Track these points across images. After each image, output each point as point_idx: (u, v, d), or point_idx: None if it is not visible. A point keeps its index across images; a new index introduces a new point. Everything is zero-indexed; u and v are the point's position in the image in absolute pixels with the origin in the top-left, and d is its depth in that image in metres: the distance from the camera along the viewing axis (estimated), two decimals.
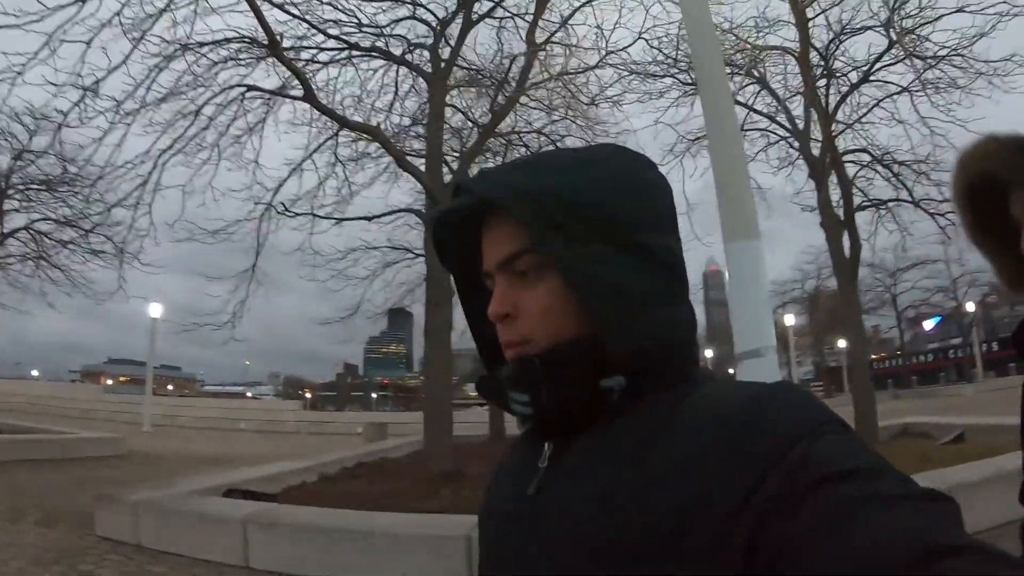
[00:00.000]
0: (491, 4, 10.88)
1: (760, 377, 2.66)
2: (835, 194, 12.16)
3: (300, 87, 8.72)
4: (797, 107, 12.59)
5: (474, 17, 10.68)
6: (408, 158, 10.02)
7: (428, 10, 10.90)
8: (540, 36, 10.56)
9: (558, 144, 13.11)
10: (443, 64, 10.74)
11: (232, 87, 9.16)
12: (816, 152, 11.95)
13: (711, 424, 0.56)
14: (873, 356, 53.94)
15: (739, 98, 12.03)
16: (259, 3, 7.81)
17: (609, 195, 0.64)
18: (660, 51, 11.46)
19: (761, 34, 11.35)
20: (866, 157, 12.89)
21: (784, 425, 0.53)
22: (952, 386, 39.93)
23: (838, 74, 11.65)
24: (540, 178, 0.65)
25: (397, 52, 11.05)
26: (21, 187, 14.76)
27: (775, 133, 13.17)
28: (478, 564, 0.74)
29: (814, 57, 11.23)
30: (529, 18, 10.69)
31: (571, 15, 10.55)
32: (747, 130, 12.75)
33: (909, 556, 0.40)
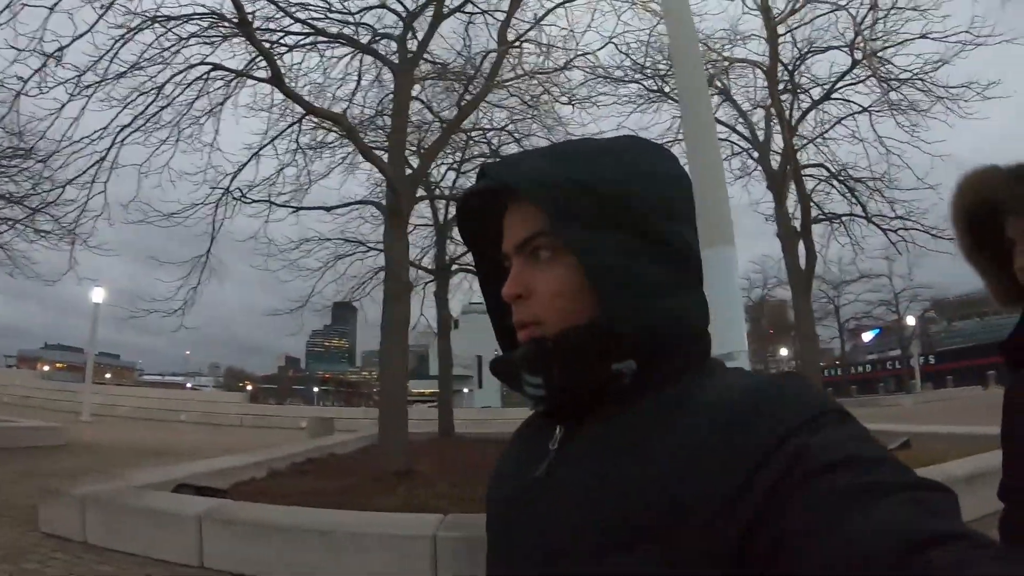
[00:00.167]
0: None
1: None
2: (791, 205, 12.50)
3: (266, 70, 8.47)
4: (758, 120, 12.92)
5: (445, 10, 10.56)
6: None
7: (399, 0, 10.76)
8: (511, 34, 10.51)
9: (521, 142, 13.19)
10: (410, 56, 10.63)
11: (197, 65, 8.82)
12: (775, 165, 12.22)
13: (712, 414, 0.56)
14: None
15: None
16: None
17: (625, 184, 0.66)
18: (629, 56, 11.57)
19: (729, 47, 11.56)
20: (824, 172, 13.32)
21: (783, 416, 0.53)
22: (891, 396, 41.33)
23: (801, 90, 11.96)
24: (559, 165, 0.66)
25: (364, 41, 10.87)
26: None
27: (737, 144, 13.45)
28: (487, 549, 0.75)
29: (780, 72, 11.48)
30: (499, 15, 10.66)
31: (544, 15, 10.55)
32: None
33: (897, 547, 0.41)
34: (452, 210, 16.28)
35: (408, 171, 10.64)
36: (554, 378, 0.65)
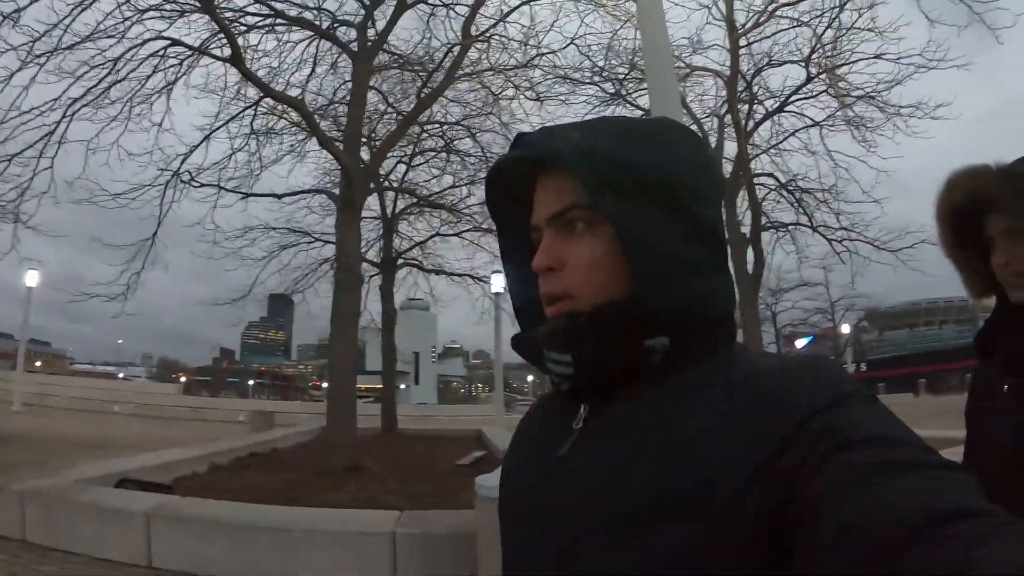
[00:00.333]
0: None
1: None
2: (740, 212, 12.80)
3: (222, 49, 8.20)
4: (710, 128, 13.19)
5: (408, 0, 10.41)
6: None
7: None
8: (474, 30, 10.44)
9: (477, 137, 13.17)
10: (370, 44, 10.46)
11: (154, 39, 8.42)
12: (727, 172, 12.47)
13: (742, 393, 0.57)
14: None
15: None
16: None
17: (666, 163, 0.66)
18: (589, 58, 11.64)
19: (690, 55, 11.77)
20: (774, 181, 13.68)
21: (811, 394, 0.54)
22: None
23: (757, 100, 12.26)
24: (600, 140, 0.66)
25: (324, 26, 10.63)
26: None
27: None
28: (503, 545, 0.75)
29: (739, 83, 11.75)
30: (461, 8, 10.58)
31: (509, 12, 10.51)
32: None
33: (922, 518, 0.41)
34: (400, 204, 16.26)
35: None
36: (586, 354, 0.65)
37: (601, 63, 11.77)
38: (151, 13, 8.20)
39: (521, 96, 11.19)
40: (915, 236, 11.07)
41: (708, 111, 13.20)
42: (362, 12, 10.73)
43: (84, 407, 25.63)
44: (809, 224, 13.27)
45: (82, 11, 7.84)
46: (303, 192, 13.01)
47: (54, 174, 8.98)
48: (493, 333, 17.48)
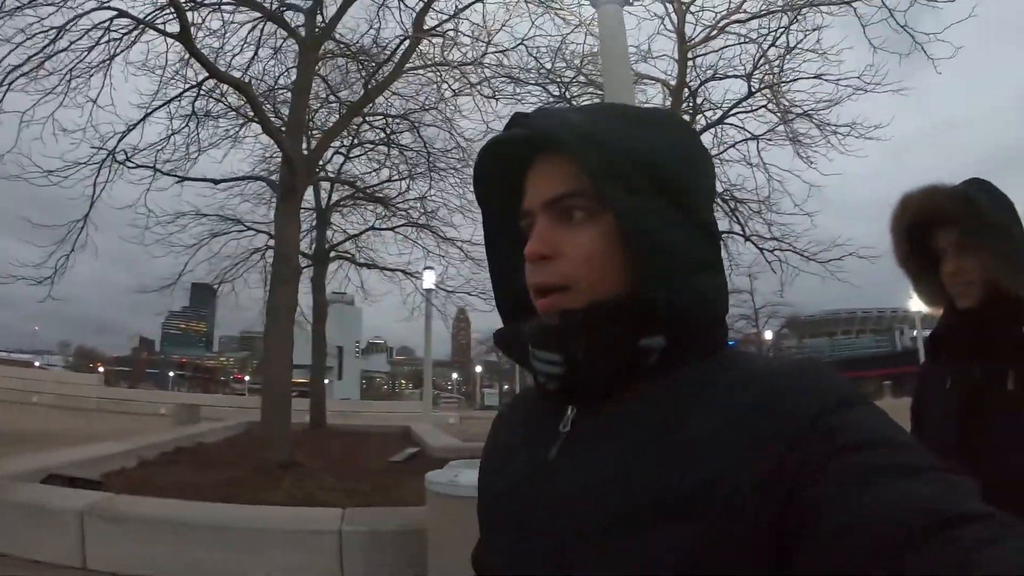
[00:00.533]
0: None
1: None
2: None
3: (173, 23, 7.79)
4: None
5: None
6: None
7: None
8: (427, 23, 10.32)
9: (418, 129, 13.04)
10: (318, 31, 10.22)
11: (100, 8, 7.93)
12: None
13: (742, 395, 0.56)
14: None
15: None
16: None
17: (672, 156, 0.64)
18: (537, 60, 11.68)
19: (637, 62, 11.94)
20: None
21: (815, 397, 0.54)
22: None
23: (700, 111, 12.54)
24: (602, 125, 0.64)
25: (271, 8, 10.30)
26: None
27: None
28: (482, 537, 0.73)
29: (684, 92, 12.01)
30: (412, 2, 10.42)
31: (464, 8, 10.41)
32: None
33: (929, 521, 0.42)
34: (335, 196, 15.97)
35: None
36: (578, 354, 0.62)
37: (548, 65, 11.83)
38: None
39: (475, 92, 11.10)
40: (843, 248, 11.56)
41: None
42: None
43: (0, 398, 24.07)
44: (742, 233, 13.64)
45: None
46: (241, 179, 12.59)
47: None
48: (424, 329, 17.27)
